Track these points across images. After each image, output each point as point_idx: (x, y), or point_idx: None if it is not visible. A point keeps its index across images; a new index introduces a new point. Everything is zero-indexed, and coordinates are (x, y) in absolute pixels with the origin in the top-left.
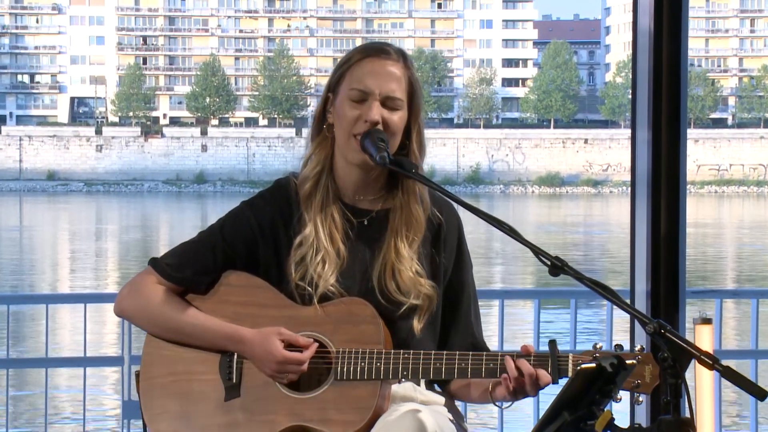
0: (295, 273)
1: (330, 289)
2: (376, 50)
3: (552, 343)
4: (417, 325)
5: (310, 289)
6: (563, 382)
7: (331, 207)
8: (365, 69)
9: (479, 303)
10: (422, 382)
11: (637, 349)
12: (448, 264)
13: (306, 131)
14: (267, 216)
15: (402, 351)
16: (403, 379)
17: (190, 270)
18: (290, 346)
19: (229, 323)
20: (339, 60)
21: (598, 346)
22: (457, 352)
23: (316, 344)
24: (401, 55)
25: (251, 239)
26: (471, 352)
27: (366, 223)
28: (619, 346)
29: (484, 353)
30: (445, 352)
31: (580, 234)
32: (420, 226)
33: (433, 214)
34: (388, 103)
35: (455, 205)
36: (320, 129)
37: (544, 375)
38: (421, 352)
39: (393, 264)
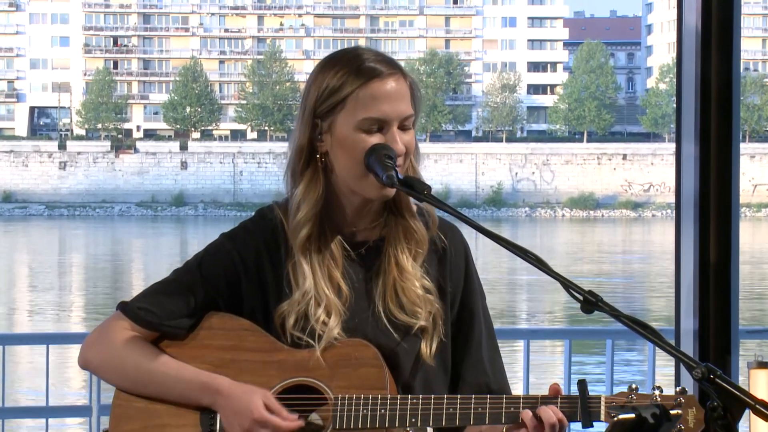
0: (289, 320)
1: (336, 338)
2: (374, 71)
3: (582, 384)
4: (426, 350)
5: (311, 341)
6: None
7: (329, 246)
8: (374, 94)
9: (501, 343)
10: (430, 430)
11: (678, 390)
12: (456, 292)
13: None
14: (251, 249)
15: (409, 396)
16: (411, 428)
17: (165, 313)
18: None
19: (206, 372)
20: (324, 85)
21: (633, 387)
22: (473, 396)
23: (301, 422)
24: (394, 65)
25: (234, 276)
26: (489, 395)
27: (364, 252)
28: (659, 388)
29: (504, 396)
30: (459, 396)
31: (617, 264)
32: (422, 238)
33: (438, 238)
34: (403, 124)
35: (471, 230)
36: (309, 160)
37: (564, 421)
38: (432, 396)
39: (396, 281)
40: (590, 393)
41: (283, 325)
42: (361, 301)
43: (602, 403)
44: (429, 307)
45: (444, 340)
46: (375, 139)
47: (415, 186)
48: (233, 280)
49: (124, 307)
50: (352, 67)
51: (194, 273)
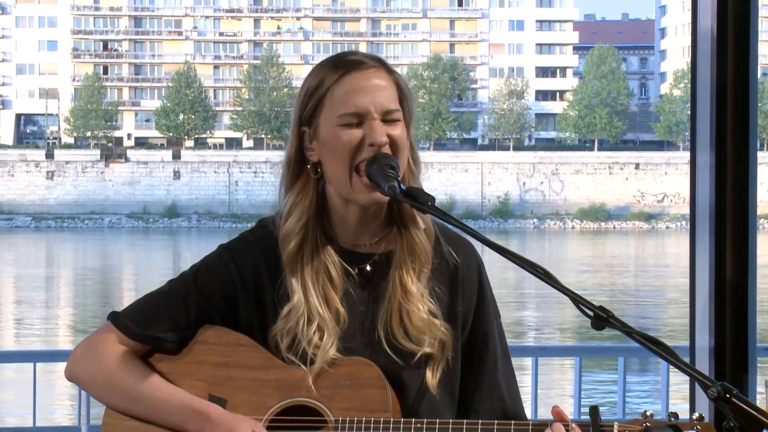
0: (282, 342)
1: (333, 359)
2: (351, 63)
3: (594, 410)
4: (431, 379)
5: (303, 365)
6: None
7: (324, 260)
8: (348, 88)
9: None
10: None
11: (695, 417)
12: (468, 312)
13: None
14: (249, 262)
15: (413, 420)
16: None
17: (157, 326)
18: None
19: (197, 398)
20: (305, 89)
21: (648, 414)
22: (480, 421)
23: None
24: (378, 61)
25: (230, 290)
26: (497, 421)
27: (369, 269)
28: (674, 414)
29: (513, 422)
30: (465, 421)
31: (630, 279)
32: (426, 254)
33: (449, 254)
34: (387, 117)
35: (476, 243)
36: (300, 172)
37: None
38: (437, 420)
39: (401, 305)
40: (602, 419)
41: (277, 346)
42: (361, 325)
43: (615, 430)
44: (435, 332)
45: (452, 365)
46: (356, 132)
47: (418, 197)
48: (230, 294)
49: (115, 318)
50: (330, 66)
51: (189, 285)
